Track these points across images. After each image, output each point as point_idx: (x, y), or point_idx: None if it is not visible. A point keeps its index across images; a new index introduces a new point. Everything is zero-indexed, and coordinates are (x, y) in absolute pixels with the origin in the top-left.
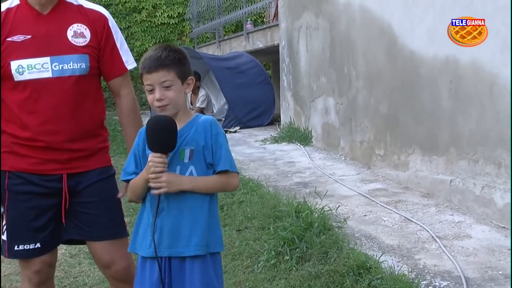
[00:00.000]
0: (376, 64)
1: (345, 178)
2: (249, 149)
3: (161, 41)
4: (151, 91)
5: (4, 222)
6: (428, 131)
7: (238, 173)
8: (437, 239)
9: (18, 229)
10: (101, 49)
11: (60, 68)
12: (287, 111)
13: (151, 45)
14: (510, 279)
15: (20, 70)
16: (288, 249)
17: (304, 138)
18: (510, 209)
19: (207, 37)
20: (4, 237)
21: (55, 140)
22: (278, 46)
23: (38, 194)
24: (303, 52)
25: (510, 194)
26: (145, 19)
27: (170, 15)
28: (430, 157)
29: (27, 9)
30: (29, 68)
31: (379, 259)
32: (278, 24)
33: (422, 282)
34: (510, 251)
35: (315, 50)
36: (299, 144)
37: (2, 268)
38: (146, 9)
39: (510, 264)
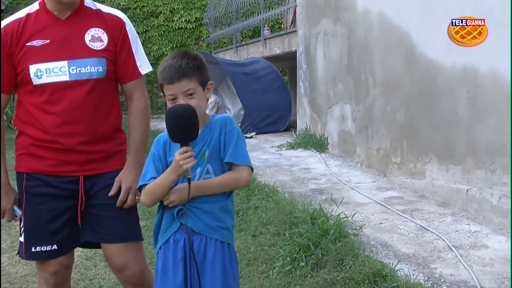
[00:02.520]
0: (394, 72)
1: (361, 186)
2: (265, 155)
3: (178, 45)
4: (174, 100)
5: (21, 224)
6: (445, 139)
7: (252, 168)
8: (453, 248)
9: (35, 230)
10: (117, 52)
11: (78, 71)
12: (303, 117)
13: (168, 49)
14: (510, 282)
15: (39, 74)
16: (303, 255)
17: (320, 144)
18: (510, 212)
19: (224, 42)
20: (21, 238)
21: (72, 142)
22: (295, 52)
23: (55, 196)
24: (321, 58)
25: (510, 197)
26: (162, 23)
27: (187, 19)
28: (446, 166)
29: (46, 14)
30: (47, 72)
31: (395, 267)
32: (295, 31)
33: None
34: (510, 253)
35: (333, 57)
36: (315, 151)
37: (19, 269)
38: (164, 13)
39: (510, 266)
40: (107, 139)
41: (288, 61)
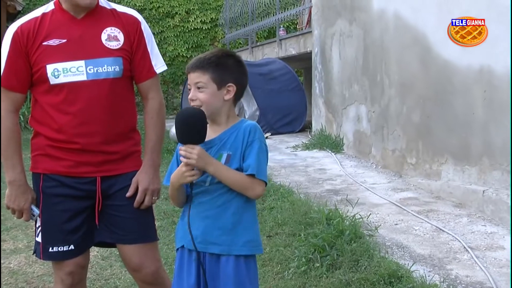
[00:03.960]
0: (409, 73)
1: (376, 186)
2: (280, 155)
3: (194, 46)
4: (189, 90)
5: (38, 224)
6: (461, 140)
7: (266, 182)
8: (469, 249)
9: (52, 231)
10: (133, 51)
11: (95, 71)
12: (318, 118)
13: (183, 50)
14: (510, 280)
15: (56, 73)
16: (318, 256)
17: (335, 145)
18: (510, 209)
19: (240, 43)
20: (38, 239)
21: (89, 142)
22: (310, 53)
23: (71, 197)
24: (336, 59)
25: (510, 197)
26: (178, 24)
27: (203, 20)
28: (462, 167)
29: (62, 14)
30: (65, 72)
31: (410, 268)
32: (311, 31)
33: None
34: (510, 252)
35: (348, 58)
36: (330, 151)
37: (36, 269)
38: (179, 14)
39: (510, 265)
40: (123, 139)
41: (303, 61)
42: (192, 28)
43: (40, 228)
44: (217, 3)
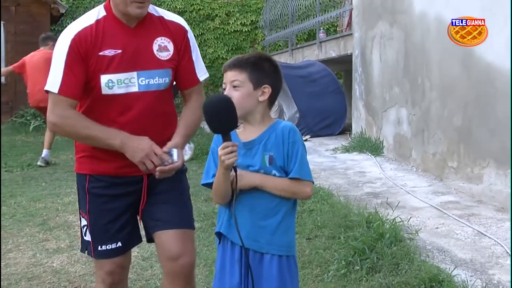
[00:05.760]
0: (451, 76)
1: (416, 190)
2: (319, 158)
3: (234, 48)
4: (225, 89)
5: (85, 223)
6: (503, 144)
7: (313, 182)
8: None
9: (100, 230)
10: (179, 60)
11: (147, 82)
12: (358, 120)
13: (223, 52)
14: (510, 282)
15: (110, 84)
16: (358, 259)
17: (375, 148)
18: (510, 210)
19: (279, 45)
20: (87, 238)
21: None
22: (351, 55)
23: (117, 195)
24: (376, 61)
25: (510, 195)
26: (218, 26)
27: (243, 22)
28: (505, 171)
29: (115, 22)
30: (119, 83)
31: (451, 272)
32: (351, 34)
33: None
34: (510, 249)
35: (389, 60)
36: (370, 154)
37: (77, 268)
38: (220, 16)
39: (510, 263)
40: (166, 142)
41: (343, 64)
42: (232, 31)
43: (86, 228)
44: (257, 5)
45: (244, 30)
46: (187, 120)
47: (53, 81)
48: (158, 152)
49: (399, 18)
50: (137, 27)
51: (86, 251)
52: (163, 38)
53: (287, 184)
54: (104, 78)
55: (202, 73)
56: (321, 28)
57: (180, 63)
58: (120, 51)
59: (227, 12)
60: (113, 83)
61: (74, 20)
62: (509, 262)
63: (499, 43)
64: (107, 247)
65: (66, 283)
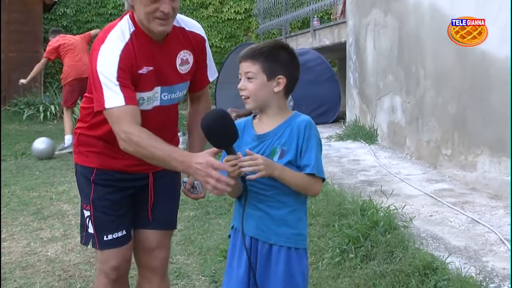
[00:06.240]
0: (445, 64)
1: (410, 178)
2: None
3: (227, 36)
4: (240, 79)
5: (88, 214)
6: (497, 132)
7: (325, 179)
8: (505, 241)
9: (104, 220)
10: (196, 69)
11: (169, 97)
12: (352, 108)
13: (217, 40)
14: (510, 277)
15: (141, 101)
16: (353, 247)
17: (369, 136)
18: (510, 208)
19: (273, 33)
20: (90, 230)
21: None
22: (345, 43)
23: (122, 188)
24: (371, 50)
25: (510, 194)
26: (211, 14)
27: (236, 10)
28: (499, 158)
29: (144, 37)
30: (148, 100)
31: (445, 260)
32: (345, 21)
33: (490, 285)
34: (510, 245)
35: (383, 48)
36: (364, 142)
37: (72, 257)
38: (213, 4)
39: (510, 260)
40: (173, 141)
41: (337, 52)
42: (226, 19)
43: (89, 219)
44: None
45: (238, 18)
46: (200, 134)
47: (113, 97)
48: (216, 166)
49: (394, 6)
50: (164, 42)
51: (91, 244)
52: (185, 51)
53: (303, 179)
54: (137, 96)
55: (212, 74)
56: (315, 16)
57: (196, 71)
58: (152, 68)
59: (220, 0)
60: (143, 100)
61: (67, 9)
62: (502, 249)
63: (493, 31)
64: (114, 236)
65: (60, 271)
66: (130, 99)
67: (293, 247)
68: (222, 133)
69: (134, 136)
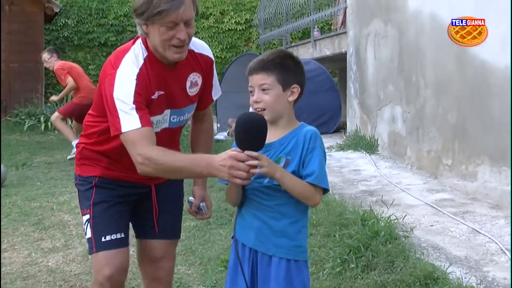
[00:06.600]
0: (445, 73)
1: (411, 188)
2: None
3: (228, 47)
4: (251, 92)
5: (88, 217)
6: (498, 141)
7: (328, 190)
8: (506, 251)
9: (104, 221)
10: (203, 89)
11: (177, 120)
12: (353, 118)
13: (218, 51)
14: (510, 281)
15: None
16: (353, 257)
17: (370, 146)
18: (510, 210)
19: (274, 43)
20: (88, 235)
21: None
22: (345, 53)
23: (124, 193)
24: (371, 60)
25: (510, 196)
26: (212, 25)
27: (237, 21)
28: (499, 168)
29: (157, 63)
30: (158, 123)
31: (446, 270)
32: (345, 32)
33: None
34: (510, 255)
35: (383, 58)
36: (364, 152)
37: (73, 267)
38: (214, 15)
39: (510, 269)
40: None
41: (338, 62)
42: (227, 29)
43: (88, 224)
44: (252, 4)
45: (238, 29)
46: (206, 150)
47: (129, 120)
48: (240, 158)
49: (393, 16)
50: (175, 67)
51: (88, 250)
52: (194, 73)
53: (305, 186)
54: None
55: (216, 92)
56: (316, 27)
57: (202, 91)
58: (162, 92)
59: (221, 10)
60: (153, 123)
61: (68, 19)
62: (503, 259)
63: (493, 40)
64: (112, 237)
65: (61, 282)
66: (145, 121)
67: (292, 259)
68: (256, 135)
69: (150, 157)
